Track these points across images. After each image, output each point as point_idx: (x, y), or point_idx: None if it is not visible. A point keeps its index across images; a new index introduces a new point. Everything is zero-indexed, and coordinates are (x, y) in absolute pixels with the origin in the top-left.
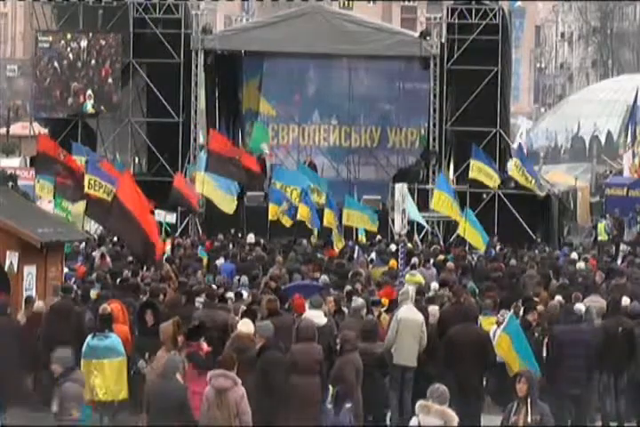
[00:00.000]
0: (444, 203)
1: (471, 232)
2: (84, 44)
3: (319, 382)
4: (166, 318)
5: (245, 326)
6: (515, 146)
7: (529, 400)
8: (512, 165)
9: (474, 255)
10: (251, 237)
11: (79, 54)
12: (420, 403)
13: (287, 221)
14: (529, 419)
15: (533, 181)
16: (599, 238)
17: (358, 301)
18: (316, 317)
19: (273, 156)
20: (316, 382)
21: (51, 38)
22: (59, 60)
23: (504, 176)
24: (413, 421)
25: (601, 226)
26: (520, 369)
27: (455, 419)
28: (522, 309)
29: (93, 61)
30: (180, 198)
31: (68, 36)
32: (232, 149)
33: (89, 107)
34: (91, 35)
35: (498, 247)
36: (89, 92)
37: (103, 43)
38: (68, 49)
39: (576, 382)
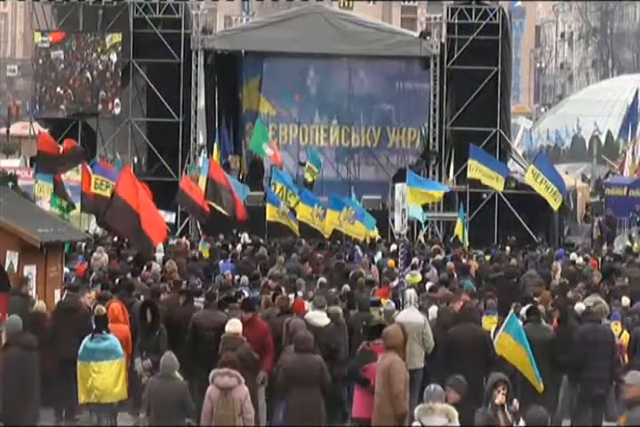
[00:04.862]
0: (416, 196)
1: (462, 229)
2: (113, 57)
3: (319, 393)
4: (165, 318)
5: (233, 326)
6: (514, 146)
7: (506, 405)
8: (528, 173)
9: (473, 256)
10: (245, 237)
11: (108, 66)
12: (420, 407)
13: (294, 226)
14: (509, 417)
15: (553, 190)
16: (634, 250)
17: (391, 304)
18: (319, 317)
19: (277, 156)
20: (316, 393)
21: (51, 38)
22: (90, 71)
23: (506, 175)
24: (415, 424)
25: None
26: (500, 376)
27: (457, 415)
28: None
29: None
30: (190, 205)
31: (99, 49)
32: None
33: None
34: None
35: (503, 248)
36: (116, 100)
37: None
38: (99, 61)
39: (601, 382)
